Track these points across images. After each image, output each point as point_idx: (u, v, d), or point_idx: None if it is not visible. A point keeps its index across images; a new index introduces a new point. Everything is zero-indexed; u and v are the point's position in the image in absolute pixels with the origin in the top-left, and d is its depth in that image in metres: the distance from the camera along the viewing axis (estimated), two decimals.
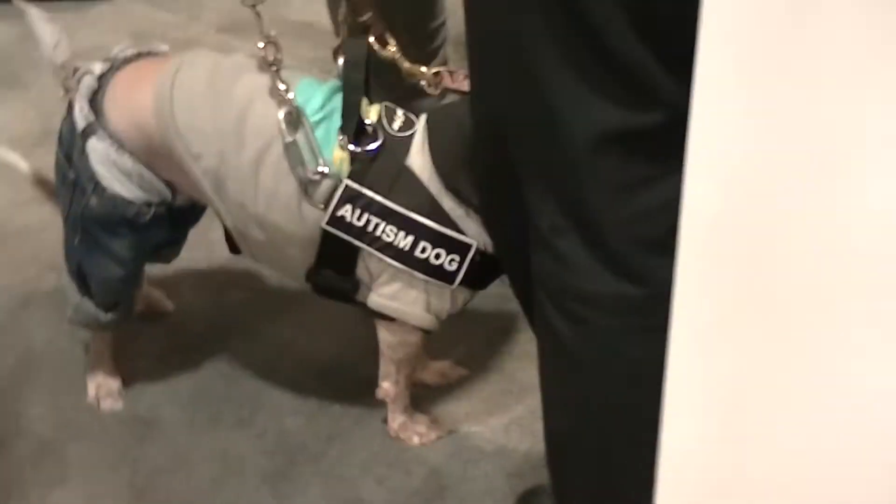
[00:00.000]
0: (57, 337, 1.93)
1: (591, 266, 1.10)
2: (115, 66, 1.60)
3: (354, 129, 1.48)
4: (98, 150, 1.55)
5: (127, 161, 1.55)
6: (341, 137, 1.48)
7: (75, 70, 1.60)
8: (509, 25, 1.05)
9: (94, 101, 1.57)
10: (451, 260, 1.50)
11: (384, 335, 1.64)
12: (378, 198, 1.48)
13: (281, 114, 1.47)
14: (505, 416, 1.80)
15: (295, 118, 1.48)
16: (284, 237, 1.54)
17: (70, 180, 1.58)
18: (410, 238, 1.49)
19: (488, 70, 1.13)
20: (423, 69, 1.54)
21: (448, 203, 1.49)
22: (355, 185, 1.47)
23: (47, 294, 2.02)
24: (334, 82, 1.54)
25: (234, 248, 1.66)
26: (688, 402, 0.92)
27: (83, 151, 1.55)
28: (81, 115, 1.56)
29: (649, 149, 1.04)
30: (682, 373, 0.91)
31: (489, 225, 1.30)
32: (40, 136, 2.41)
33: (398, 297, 1.55)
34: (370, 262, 1.53)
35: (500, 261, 1.34)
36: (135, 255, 1.64)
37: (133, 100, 1.56)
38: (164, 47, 1.66)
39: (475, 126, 1.21)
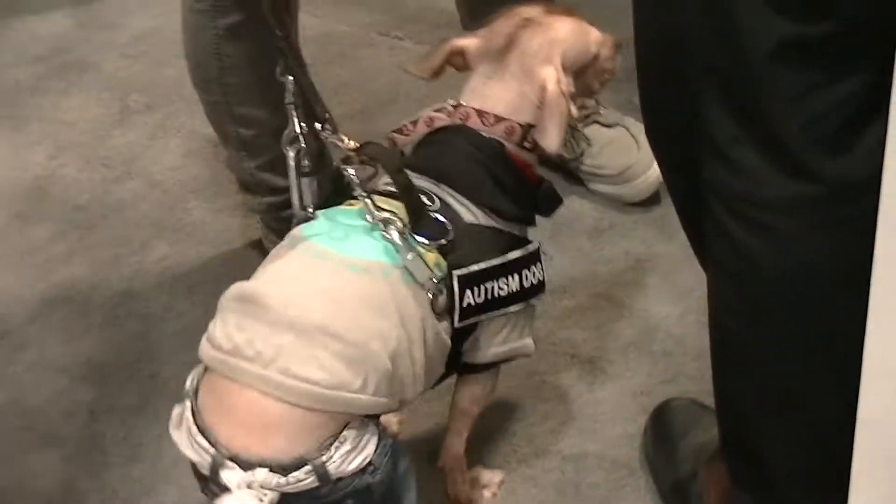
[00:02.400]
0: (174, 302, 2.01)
1: (766, 171, 1.16)
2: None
3: (432, 225, 1.42)
4: (341, 452, 1.30)
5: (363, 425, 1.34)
6: (422, 240, 1.42)
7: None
8: None
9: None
10: (539, 270, 1.51)
11: (475, 391, 1.59)
12: (480, 266, 1.45)
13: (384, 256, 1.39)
14: (619, 340, 1.87)
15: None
16: (432, 365, 1.44)
17: None
18: (516, 277, 1.48)
19: None
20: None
21: (502, 224, 1.49)
22: (463, 271, 1.43)
23: (156, 261, 2.10)
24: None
25: None
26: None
27: (334, 477, 1.30)
28: (305, 477, 1.28)
29: (824, 55, 1.11)
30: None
31: (654, 140, 1.34)
32: (119, 115, 2.48)
33: (510, 337, 1.53)
34: (481, 328, 1.50)
35: (664, 175, 1.39)
36: None
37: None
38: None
39: (645, 47, 1.26)
